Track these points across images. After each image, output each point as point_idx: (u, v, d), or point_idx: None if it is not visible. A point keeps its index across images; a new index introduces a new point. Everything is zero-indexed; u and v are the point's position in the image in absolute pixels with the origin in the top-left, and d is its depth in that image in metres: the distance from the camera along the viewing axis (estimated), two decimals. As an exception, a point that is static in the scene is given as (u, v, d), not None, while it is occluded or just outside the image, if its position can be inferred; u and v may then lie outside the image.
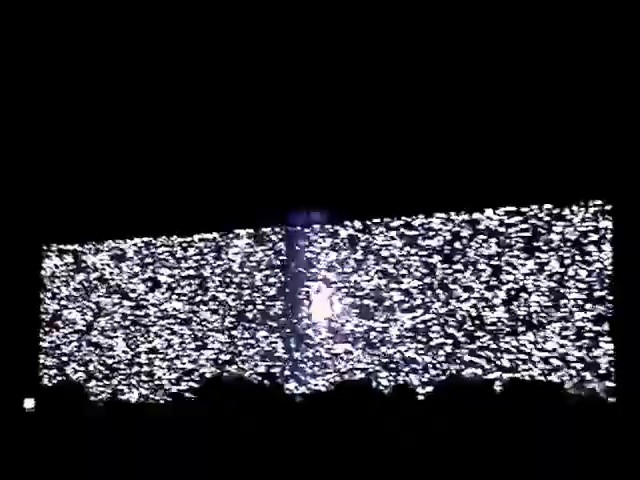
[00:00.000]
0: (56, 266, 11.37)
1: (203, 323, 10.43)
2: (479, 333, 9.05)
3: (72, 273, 11.26)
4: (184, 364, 10.48)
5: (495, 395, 5.46)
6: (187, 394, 9.91)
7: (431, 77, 9.04)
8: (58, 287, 11.31)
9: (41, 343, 11.22)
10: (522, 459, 4.53)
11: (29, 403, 6.87)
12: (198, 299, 10.49)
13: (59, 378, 10.84)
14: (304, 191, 9.64)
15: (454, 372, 9.06)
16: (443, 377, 9.08)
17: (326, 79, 9.42)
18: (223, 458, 4.62)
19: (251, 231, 10.26)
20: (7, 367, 10.54)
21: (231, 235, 10.37)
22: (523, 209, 8.99)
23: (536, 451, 4.59)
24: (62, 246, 11.38)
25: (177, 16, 9.71)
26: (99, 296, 11.06)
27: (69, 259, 11.32)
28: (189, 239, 10.62)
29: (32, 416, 4.73)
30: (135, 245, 10.92)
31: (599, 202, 8.67)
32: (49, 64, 10.29)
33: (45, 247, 11.46)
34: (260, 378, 9.84)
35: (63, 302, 11.25)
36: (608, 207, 8.62)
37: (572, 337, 8.64)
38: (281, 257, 10.10)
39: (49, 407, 4.69)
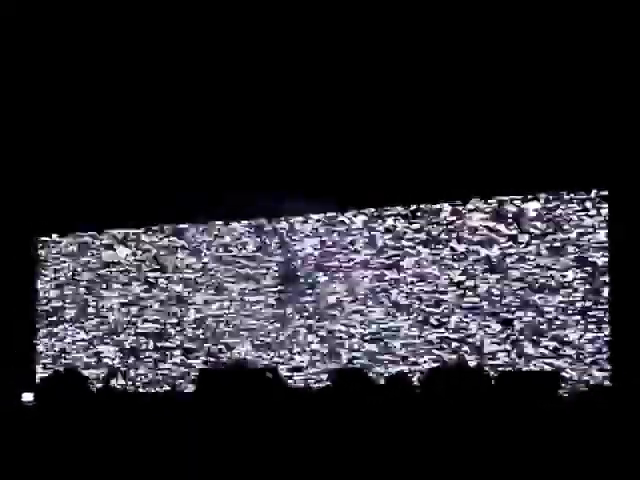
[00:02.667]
0: (49, 256, 11.31)
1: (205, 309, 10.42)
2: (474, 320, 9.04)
3: (66, 263, 11.20)
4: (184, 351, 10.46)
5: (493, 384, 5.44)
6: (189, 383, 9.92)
7: (417, 67, 9.00)
8: (52, 278, 11.26)
9: (36, 336, 11.18)
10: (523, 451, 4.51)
11: (27, 397, 6.81)
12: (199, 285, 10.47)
13: (57, 369, 10.79)
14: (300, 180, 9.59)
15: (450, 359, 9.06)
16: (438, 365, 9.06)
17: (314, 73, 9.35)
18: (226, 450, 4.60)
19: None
20: (2, 361, 10.49)
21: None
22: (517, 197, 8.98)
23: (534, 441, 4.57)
24: (54, 236, 11.31)
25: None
26: (94, 286, 11.03)
27: (62, 249, 11.27)
28: (184, 226, 10.61)
29: (31, 410, 4.70)
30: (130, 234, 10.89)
31: (596, 190, 8.66)
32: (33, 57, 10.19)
33: (37, 238, 11.40)
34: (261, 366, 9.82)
35: (57, 292, 11.21)
36: (605, 194, 8.61)
37: (570, 325, 8.65)
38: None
39: (49, 399, 4.65)
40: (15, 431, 4.55)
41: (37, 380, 10.57)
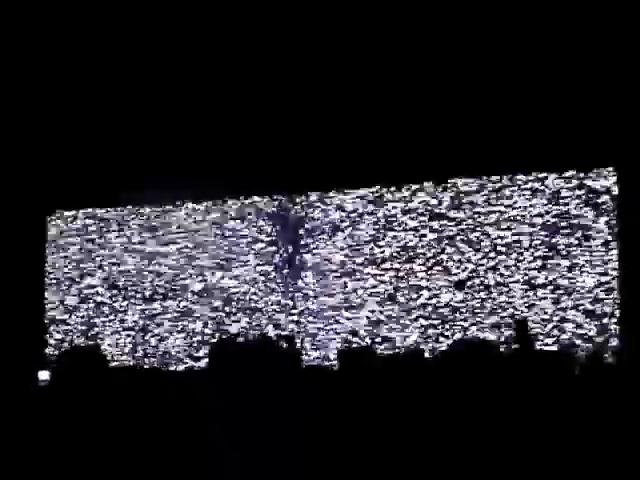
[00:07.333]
0: (60, 234, 11.35)
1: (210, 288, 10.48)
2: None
3: (76, 240, 11.25)
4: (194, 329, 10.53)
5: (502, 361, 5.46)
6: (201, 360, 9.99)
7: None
8: (62, 255, 11.31)
9: (47, 314, 11.24)
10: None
11: (43, 375, 6.82)
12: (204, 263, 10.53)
13: (70, 345, 10.85)
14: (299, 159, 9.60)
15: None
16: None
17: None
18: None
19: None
20: (14, 340, 10.54)
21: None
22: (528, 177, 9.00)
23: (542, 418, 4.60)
24: (66, 213, 11.35)
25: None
26: (103, 263, 11.08)
27: (73, 227, 11.31)
28: (185, 207, 10.66)
29: (47, 389, 4.72)
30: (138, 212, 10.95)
31: (605, 169, 8.67)
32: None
33: (49, 216, 11.44)
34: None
35: (68, 271, 11.27)
36: (614, 173, 8.61)
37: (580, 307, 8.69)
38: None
39: (65, 376, 4.65)
40: (31, 411, 4.57)
41: (52, 358, 10.62)
